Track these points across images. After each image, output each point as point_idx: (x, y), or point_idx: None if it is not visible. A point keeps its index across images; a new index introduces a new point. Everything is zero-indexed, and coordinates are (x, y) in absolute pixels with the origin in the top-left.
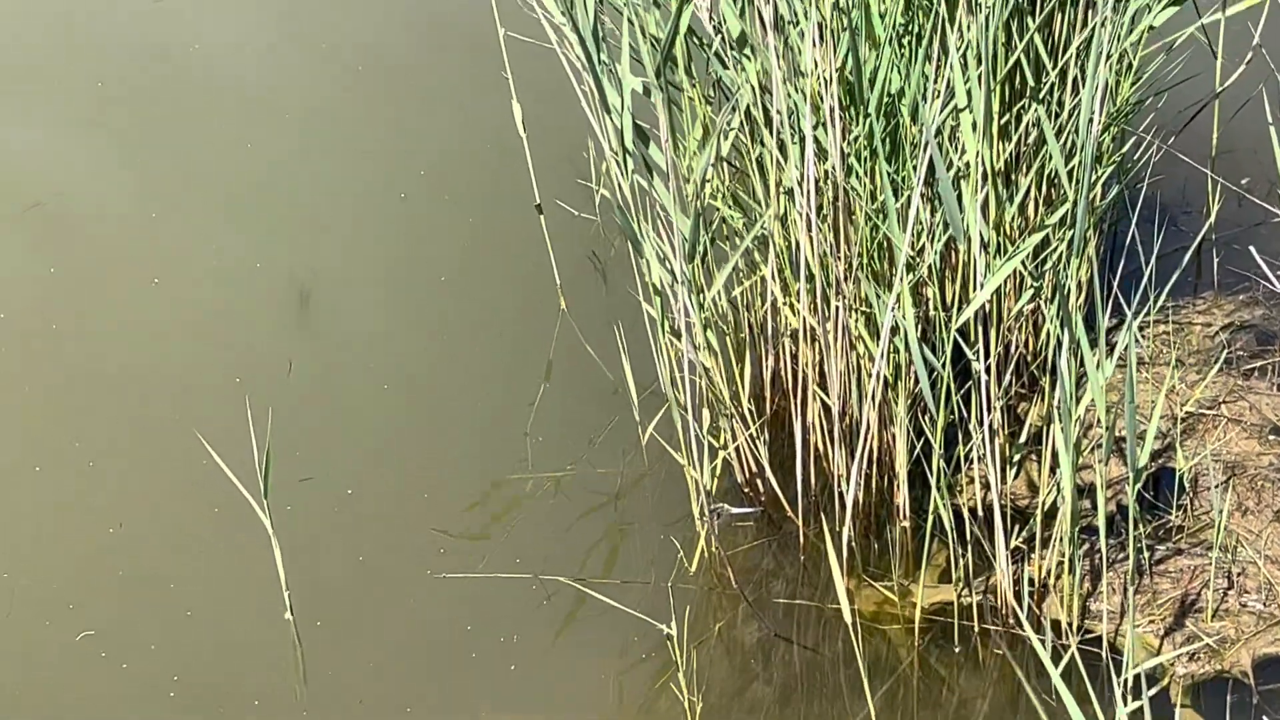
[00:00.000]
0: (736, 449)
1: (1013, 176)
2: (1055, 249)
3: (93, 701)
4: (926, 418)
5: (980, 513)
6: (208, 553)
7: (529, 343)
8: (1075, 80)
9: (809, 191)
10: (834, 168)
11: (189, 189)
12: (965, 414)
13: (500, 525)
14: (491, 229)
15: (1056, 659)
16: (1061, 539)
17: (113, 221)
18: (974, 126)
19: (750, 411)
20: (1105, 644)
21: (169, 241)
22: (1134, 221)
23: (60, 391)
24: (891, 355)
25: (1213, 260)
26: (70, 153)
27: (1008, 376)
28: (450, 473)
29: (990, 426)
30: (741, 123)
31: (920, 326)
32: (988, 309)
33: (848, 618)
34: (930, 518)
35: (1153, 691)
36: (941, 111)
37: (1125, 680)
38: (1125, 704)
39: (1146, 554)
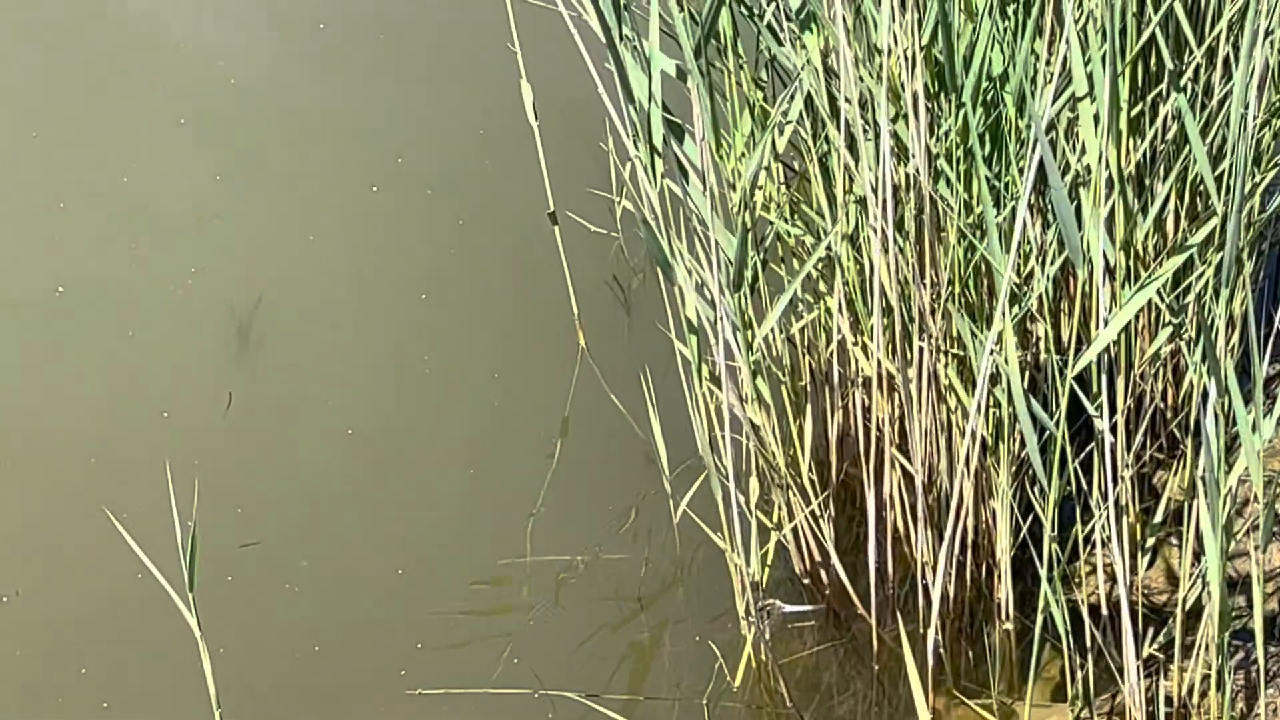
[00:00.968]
0: (794, 529)
1: (1146, 183)
2: (1201, 275)
3: None
4: (1036, 490)
5: (1105, 612)
6: (120, 651)
7: (536, 389)
8: (1226, 60)
9: (885, 201)
10: (918, 171)
11: (99, 176)
12: (1085, 486)
13: (494, 623)
14: (488, 237)
15: None
16: (1208, 646)
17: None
18: (1097, 120)
19: (812, 482)
20: None
21: (76, 248)
22: None
23: None
24: (991, 410)
25: None
26: None
27: (1140, 437)
28: (432, 555)
29: (1117, 501)
30: (801, 114)
31: (1028, 374)
32: (1114, 352)
33: None
34: (1040, 618)
35: None
36: (1055, 101)
37: None
38: None
39: None
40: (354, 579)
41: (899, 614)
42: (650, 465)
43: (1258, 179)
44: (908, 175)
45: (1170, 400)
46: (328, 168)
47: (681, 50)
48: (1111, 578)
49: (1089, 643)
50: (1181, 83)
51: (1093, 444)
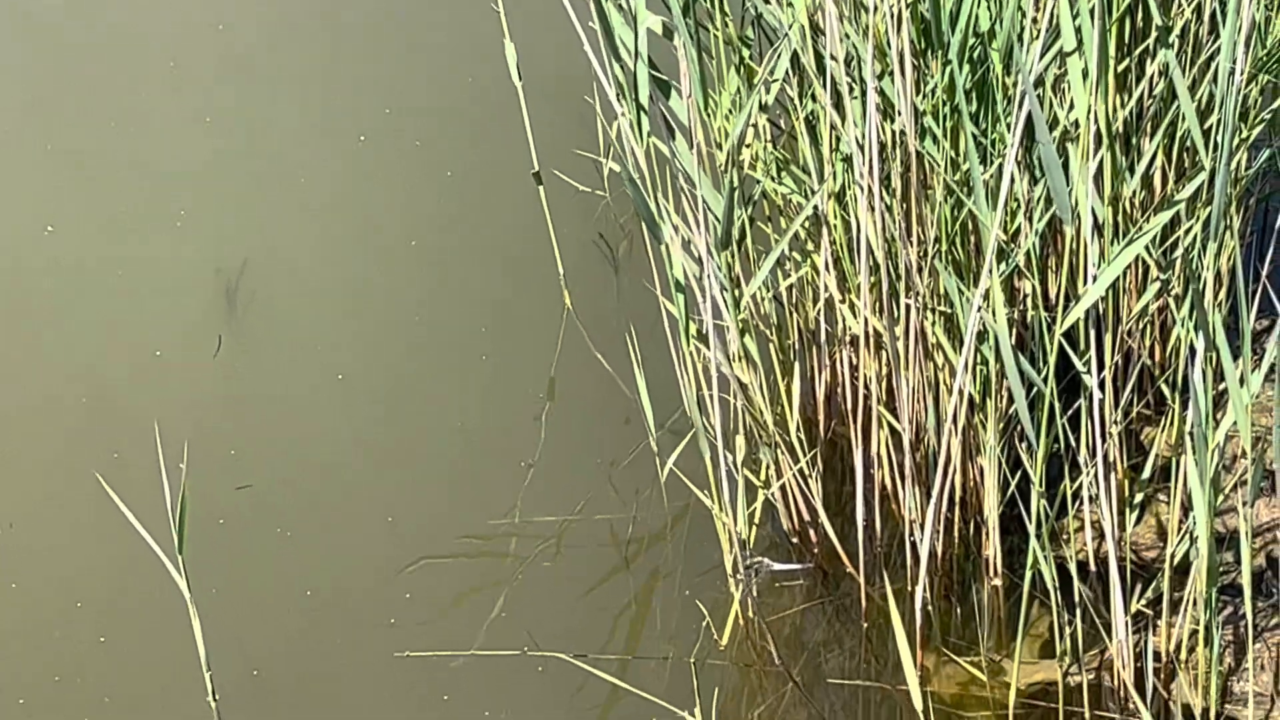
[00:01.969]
0: (782, 488)
1: (1134, 139)
2: (1188, 231)
3: None
4: (1024, 446)
5: (1093, 568)
6: (109, 613)
7: (524, 349)
8: (1213, 16)
9: (871, 158)
10: (904, 128)
11: (87, 131)
12: (1073, 442)
13: (483, 580)
14: (476, 192)
15: None
16: (1196, 601)
17: None
18: (1085, 75)
19: (800, 440)
20: None
21: (64, 190)
22: None
23: None
24: (978, 367)
25: None
26: None
27: (1127, 394)
28: (421, 507)
29: (1105, 458)
30: (788, 72)
31: (1015, 331)
32: (1102, 308)
33: (918, 702)
34: (1029, 574)
35: None
36: (1043, 57)
37: None
38: None
39: None
40: (344, 525)
41: (887, 572)
42: (636, 425)
43: (1244, 134)
44: (894, 132)
45: (1158, 357)
46: (316, 115)
47: (668, 8)
48: (1100, 534)
49: (1077, 599)
50: (1170, 39)
51: (1081, 400)
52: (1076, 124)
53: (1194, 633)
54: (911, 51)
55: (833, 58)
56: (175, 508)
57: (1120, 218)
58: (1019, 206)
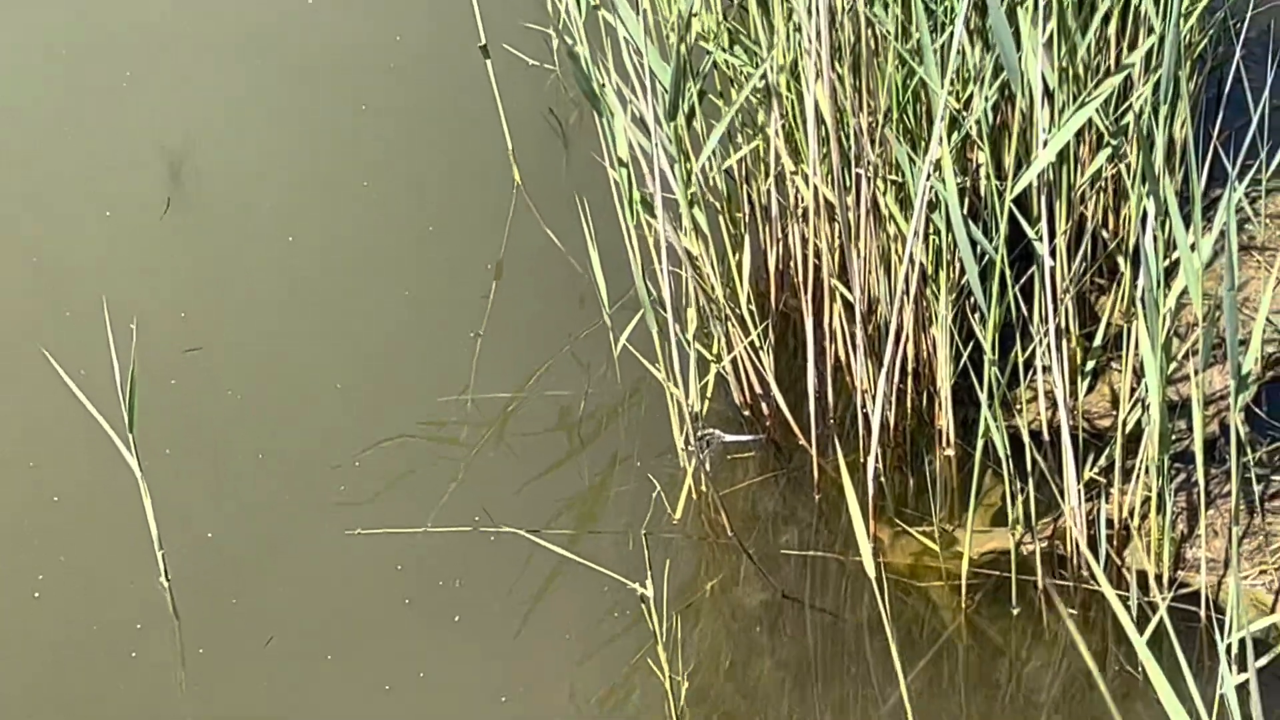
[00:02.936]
0: (733, 361)
1: (1084, 3)
2: (1139, 96)
3: None
4: (976, 317)
5: (1046, 437)
6: (60, 494)
7: (473, 225)
8: None
9: (820, 25)
10: None
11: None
12: (1025, 311)
13: (435, 458)
14: (422, 64)
15: (1142, 621)
16: (1148, 469)
17: None
18: None
19: (751, 313)
20: (1204, 601)
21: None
22: (1239, 61)
23: None
24: (930, 237)
25: None
26: None
27: (1079, 262)
28: (370, 376)
29: (1057, 326)
30: None
31: (967, 199)
32: (1053, 174)
33: (871, 571)
34: (980, 444)
35: (1264, 660)
36: None
37: (1229, 646)
38: (1230, 675)
39: (1257, 487)
40: (293, 389)
41: (840, 444)
42: (589, 301)
43: None
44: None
45: (1111, 226)
46: None
47: None
48: (1053, 403)
49: (1029, 468)
50: None
51: (1032, 270)
52: None
53: (1146, 500)
54: None
55: None
56: (125, 385)
57: (1071, 84)
58: (970, 74)
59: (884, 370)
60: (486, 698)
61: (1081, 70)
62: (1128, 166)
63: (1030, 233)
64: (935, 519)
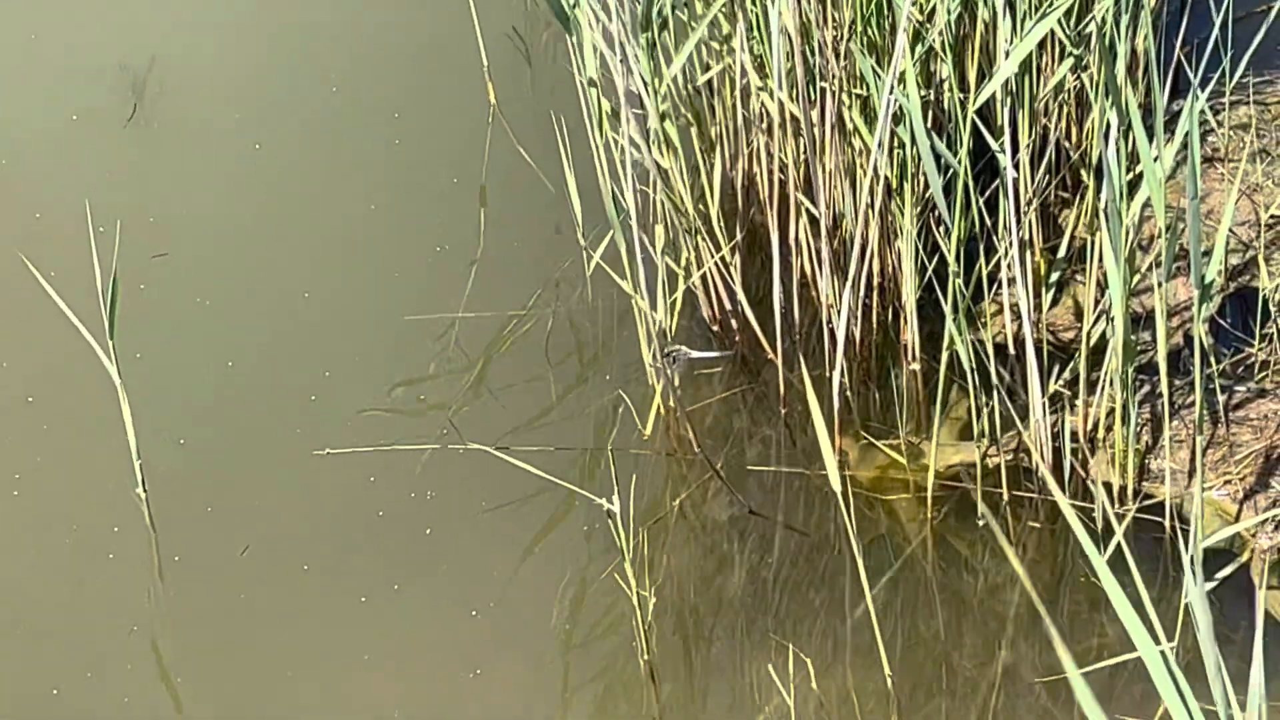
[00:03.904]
0: (702, 277)
1: None
2: (1102, 7)
3: None
4: (941, 230)
5: (1011, 350)
6: (36, 395)
7: (442, 140)
8: None
9: None
10: None
11: None
12: (990, 224)
13: (404, 376)
14: None
15: (1107, 532)
16: (1112, 380)
17: None
18: None
19: (720, 229)
20: (1169, 511)
21: None
22: None
23: None
24: (895, 151)
25: None
26: None
27: (1043, 174)
28: (337, 287)
29: (1021, 238)
30: None
31: (931, 112)
32: (1016, 85)
33: (836, 486)
34: (945, 357)
35: (1229, 569)
36: None
37: (1194, 555)
38: (1194, 584)
39: (1221, 397)
40: (261, 298)
41: (806, 359)
42: (565, 220)
43: None
44: None
45: (1074, 138)
46: None
47: None
48: (1017, 316)
49: (995, 381)
50: None
51: (996, 183)
52: None
53: (1111, 412)
54: None
55: None
56: (105, 293)
57: None
58: None
59: (849, 284)
60: (459, 613)
61: None
62: (1091, 79)
63: (994, 145)
64: (901, 433)
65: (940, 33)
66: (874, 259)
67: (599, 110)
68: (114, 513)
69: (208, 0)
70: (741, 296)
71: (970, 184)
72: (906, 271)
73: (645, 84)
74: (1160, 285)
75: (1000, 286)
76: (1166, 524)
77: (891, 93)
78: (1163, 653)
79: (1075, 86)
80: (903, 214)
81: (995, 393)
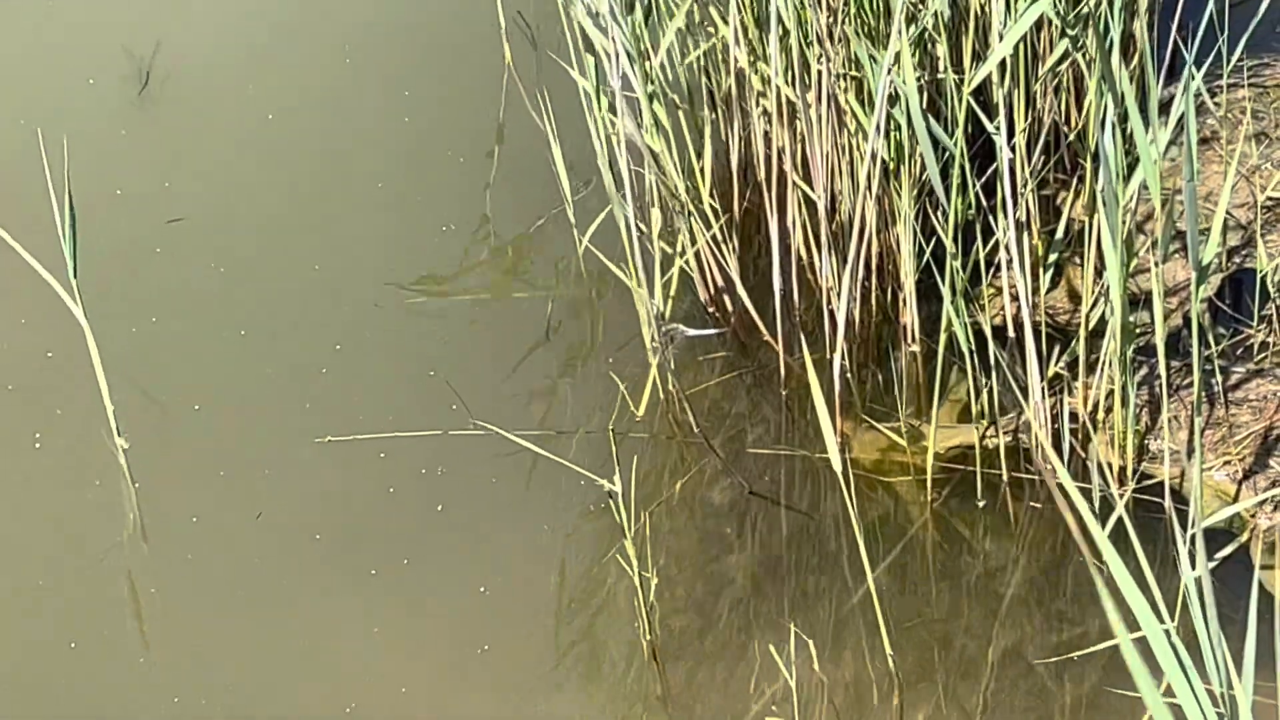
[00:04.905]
0: (696, 256)
1: None
2: None
3: None
4: (938, 213)
5: (1010, 332)
6: (54, 356)
7: (457, 119)
8: None
9: None
10: None
11: None
12: (987, 206)
13: (413, 351)
14: None
15: (1106, 512)
16: (1111, 362)
17: None
18: None
19: (714, 209)
20: (1168, 492)
21: None
22: None
23: None
24: (892, 133)
25: None
26: None
27: (1040, 156)
28: (347, 261)
29: (1019, 220)
30: None
31: (927, 94)
32: (1011, 67)
33: (838, 468)
34: (944, 339)
35: (1228, 549)
36: None
37: (1193, 536)
38: (1193, 565)
39: (1219, 378)
40: (275, 267)
41: (805, 342)
42: (558, 200)
43: None
44: None
45: (1071, 121)
46: None
47: None
48: (1015, 298)
49: (994, 363)
50: None
51: (994, 166)
52: None
53: (1110, 393)
54: None
55: None
56: (63, 226)
57: None
58: None
59: (848, 267)
60: (468, 589)
61: None
62: (1088, 61)
63: (989, 126)
64: (901, 415)
65: (935, 14)
66: (872, 242)
67: (596, 86)
68: (113, 475)
69: None
70: (738, 279)
71: (966, 164)
72: (904, 253)
73: (633, 67)
74: (1157, 266)
75: (998, 269)
76: (1166, 504)
77: (888, 75)
78: (1166, 631)
79: (1072, 68)
80: (900, 196)
81: (994, 375)
